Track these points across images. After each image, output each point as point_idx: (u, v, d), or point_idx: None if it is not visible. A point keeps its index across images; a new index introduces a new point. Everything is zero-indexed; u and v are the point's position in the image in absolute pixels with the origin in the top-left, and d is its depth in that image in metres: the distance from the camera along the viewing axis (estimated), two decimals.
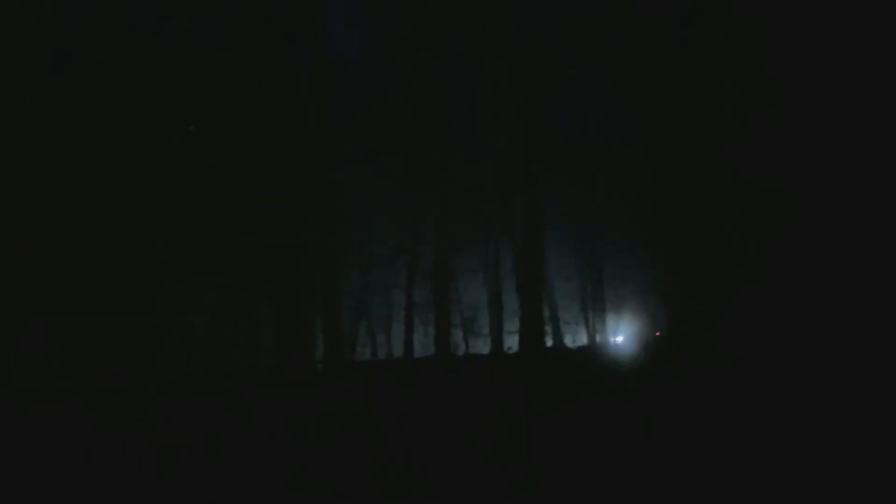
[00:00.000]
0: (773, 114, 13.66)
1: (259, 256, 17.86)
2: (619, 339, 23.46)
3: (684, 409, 11.18)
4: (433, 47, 21.12)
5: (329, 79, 20.40)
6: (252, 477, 9.37)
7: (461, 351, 26.73)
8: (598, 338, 24.53)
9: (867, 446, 8.79)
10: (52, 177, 13.92)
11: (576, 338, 26.31)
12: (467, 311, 27.35)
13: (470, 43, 21.47)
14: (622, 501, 8.10)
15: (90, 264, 13.83)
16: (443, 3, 20.96)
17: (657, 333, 18.06)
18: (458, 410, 12.36)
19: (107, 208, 14.15)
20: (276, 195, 17.94)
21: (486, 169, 22.08)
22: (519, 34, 20.14)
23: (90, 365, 13.28)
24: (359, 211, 22.43)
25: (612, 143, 20.28)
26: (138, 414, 12.05)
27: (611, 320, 24.57)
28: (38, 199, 13.69)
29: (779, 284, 13.23)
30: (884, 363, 11.29)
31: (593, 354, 20.20)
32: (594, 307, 25.01)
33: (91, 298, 13.69)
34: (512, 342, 24.69)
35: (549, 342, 23.79)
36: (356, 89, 21.69)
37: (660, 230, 16.03)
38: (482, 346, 27.21)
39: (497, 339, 25.63)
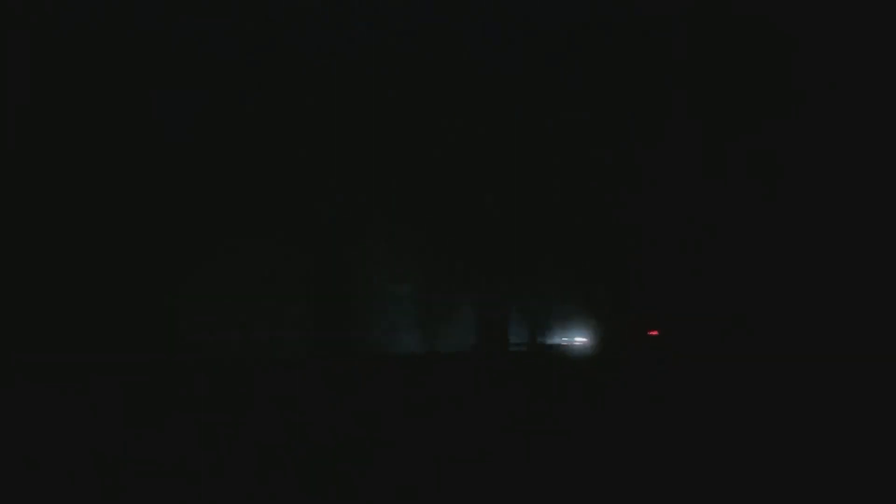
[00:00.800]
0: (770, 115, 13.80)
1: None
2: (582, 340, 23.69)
3: (680, 408, 11.32)
4: None
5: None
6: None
7: None
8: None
9: (864, 447, 8.65)
10: (54, 177, 13.94)
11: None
12: None
13: None
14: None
15: (94, 263, 13.87)
16: None
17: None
18: None
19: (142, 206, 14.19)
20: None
21: None
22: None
23: (90, 364, 13.34)
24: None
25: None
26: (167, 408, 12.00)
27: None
28: (38, 199, 13.73)
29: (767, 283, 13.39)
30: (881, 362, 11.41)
31: None
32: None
33: (94, 295, 13.75)
34: None
35: None
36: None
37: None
38: None
39: None
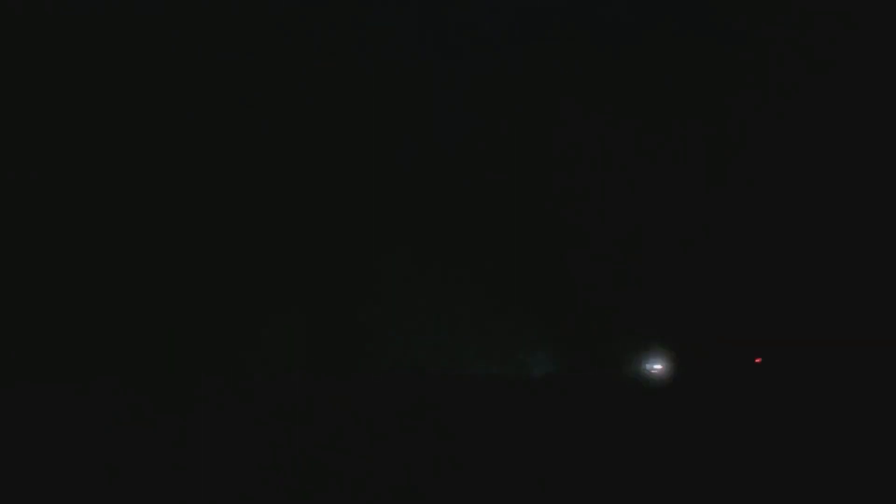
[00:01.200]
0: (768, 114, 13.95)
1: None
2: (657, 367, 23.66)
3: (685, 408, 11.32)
4: None
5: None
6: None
7: None
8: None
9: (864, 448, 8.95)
10: (67, 177, 13.91)
11: None
12: None
13: None
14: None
15: (98, 263, 13.79)
16: None
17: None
18: None
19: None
20: None
21: None
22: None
23: (89, 364, 13.30)
24: None
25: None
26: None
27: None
28: (38, 198, 13.71)
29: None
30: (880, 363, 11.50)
31: None
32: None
33: (99, 295, 13.65)
34: None
35: None
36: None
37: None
38: None
39: None
